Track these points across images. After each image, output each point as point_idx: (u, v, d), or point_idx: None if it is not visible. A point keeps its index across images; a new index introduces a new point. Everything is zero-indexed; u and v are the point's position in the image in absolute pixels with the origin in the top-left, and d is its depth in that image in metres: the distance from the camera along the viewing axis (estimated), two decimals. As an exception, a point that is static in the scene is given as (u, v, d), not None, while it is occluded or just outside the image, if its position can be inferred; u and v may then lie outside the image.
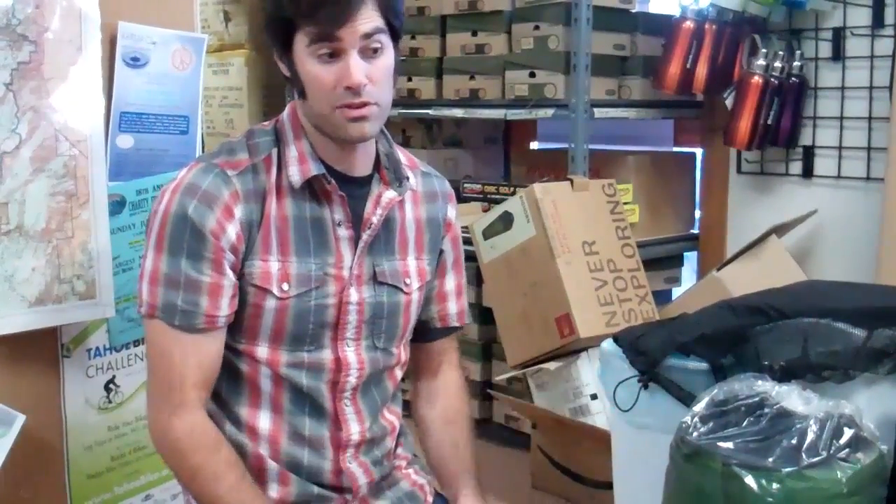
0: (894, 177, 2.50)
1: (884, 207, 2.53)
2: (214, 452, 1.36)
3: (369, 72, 1.32)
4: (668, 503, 1.11)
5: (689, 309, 1.40)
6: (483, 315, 3.14)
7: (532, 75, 2.98)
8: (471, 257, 2.49)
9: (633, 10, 3.18)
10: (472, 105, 3.17)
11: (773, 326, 1.20)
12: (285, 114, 1.45)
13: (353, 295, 1.42)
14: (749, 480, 1.00)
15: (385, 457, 1.51)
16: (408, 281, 1.48)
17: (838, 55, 2.71)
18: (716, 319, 1.25)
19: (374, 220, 1.42)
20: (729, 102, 2.81)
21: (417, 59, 3.30)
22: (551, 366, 2.51)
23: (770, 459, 1.01)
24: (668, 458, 1.10)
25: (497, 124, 3.78)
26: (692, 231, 3.26)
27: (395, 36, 1.36)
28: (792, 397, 1.06)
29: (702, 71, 2.83)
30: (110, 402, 1.82)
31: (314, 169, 1.38)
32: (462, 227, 2.06)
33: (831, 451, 1.01)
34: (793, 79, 2.74)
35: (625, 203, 2.78)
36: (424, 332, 1.58)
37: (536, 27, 2.99)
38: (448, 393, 1.60)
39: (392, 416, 1.53)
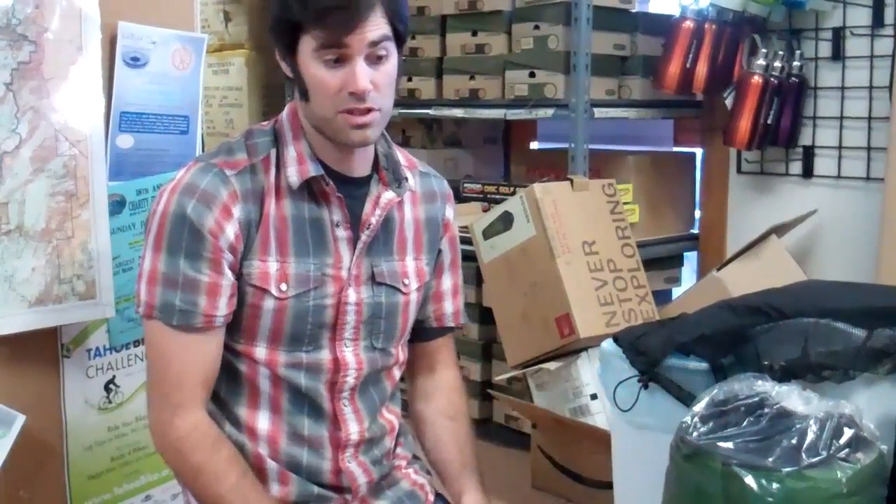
0: (894, 177, 2.50)
1: (884, 207, 2.53)
2: (216, 452, 1.36)
3: (374, 78, 1.32)
4: (668, 503, 1.11)
5: (689, 309, 1.40)
6: (483, 315, 3.14)
7: (532, 75, 2.98)
8: (470, 257, 2.49)
9: (633, 10, 3.18)
10: (472, 105, 3.17)
11: (773, 326, 1.20)
12: (284, 114, 1.45)
13: (352, 295, 1.42)
14: (749, 480, 1.00)
15: (384, 456, 1.51)
16: (406, 281, 1.48)
17: (838, 55, 2.71)
18: (716, 319, 1.25)
19: (373, 220, 1.42)
20: (729, 102, 2.81)
21: (417, 59, 3.31)
22: (551, 366, 2.51)
23: (770, 459, 1.01)
24: (668, 458, 1.10)
25: (497, 124, 3.79)
26: (692, 231, 3.27)
27: (400, 42, 1.36)
28: (792, 397, 1.06)
29: (702, 71, 2.84)
30: (110, 402, 1.82)
31: (313, 170, 1.38)
32: (462, 227, 2.06)
33: (831, 451, 1.01)
34: (793, 79, 2.75)
35: (625, 203, 2.78)
36: (420, 332, 1.58)
37: (536, 27, 2.99)
38: (445, 390, 1.60)
39: (391, 416, 1.53)
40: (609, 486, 1.43)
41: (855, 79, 2.69)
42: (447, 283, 1.59)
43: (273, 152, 1.41)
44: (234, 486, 1.35)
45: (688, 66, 2.84)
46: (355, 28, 1.28)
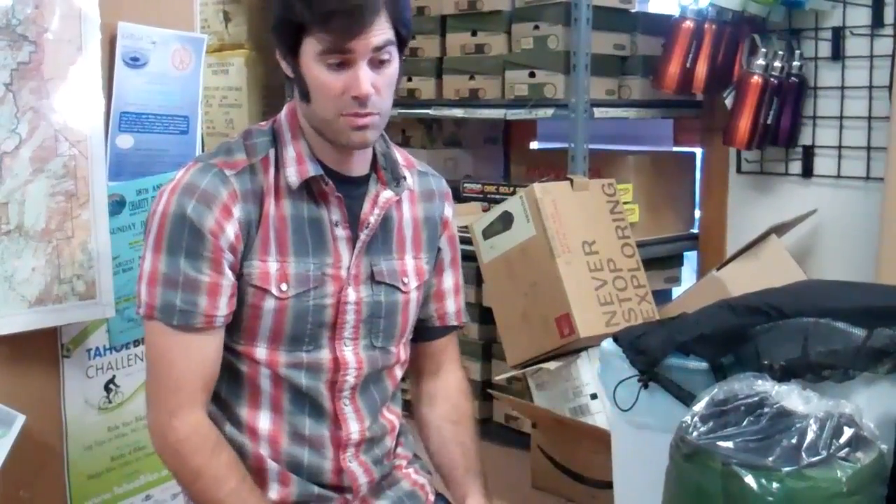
0: (894, 177, 2.50)
1: (884, 207, 2.53)
2: (216, 455, 1.36)
3: (375, 81, 1.32)
4: (668, 503, 1.11)
5: (689, 308, 1.40)
6: (483, 315, 3.14)
7: (532, 75, 2.98)
8: (470, 257, 2.49)
9: (633, 10, 3.18)
10: (472, 105, 3.17)
11: (772, 326, 1.20)
12: (283, 114, 1.45)
13: (351, 295, 1.42)
14: (749, 480, 1.00)
15: (385, 456, 1.51)
16: (406, 280, 1.48)
17: (838, 55, 2.71)
18: (716, 319, 1.25)
19: (372, 219, 1.43)
20: (729, 102, 2.81)
21: (417, 59, 3.31)
22: (551, 365, 2.51)
23: (770, 459, 1.01)
24: (668, 457, 1.10)
25: (497, 124, 3.79)
26: (692, 231, 3.27)
27: (402, 46, 1.36)
28: (792, 397, 1.06)
29: (701, 70, 2.84)
30: (110, 402, 1.82)
31: (312, 170, 1.38)
32: (462, 227, 2.06)
33: (831, 451, 1.01)
34: (792, 78, 2.75)
35: (625, 203, 2.78)
36: (423, 332, 1.58)
37: (536, 27, 2.99)
38: (450, 393, 1.60)
39: (392, 416, 1.53)
40: (609, 485, 1.43)
41: (855, 78, 2.69)
42: (448, 281, 1.59)
43: (272, 152, 1.41)
44: (233, 491, 1.34)
45: (688, 65, 2.84)
46: (360, 33, 1.28)
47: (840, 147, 2.75)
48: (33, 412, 1.61)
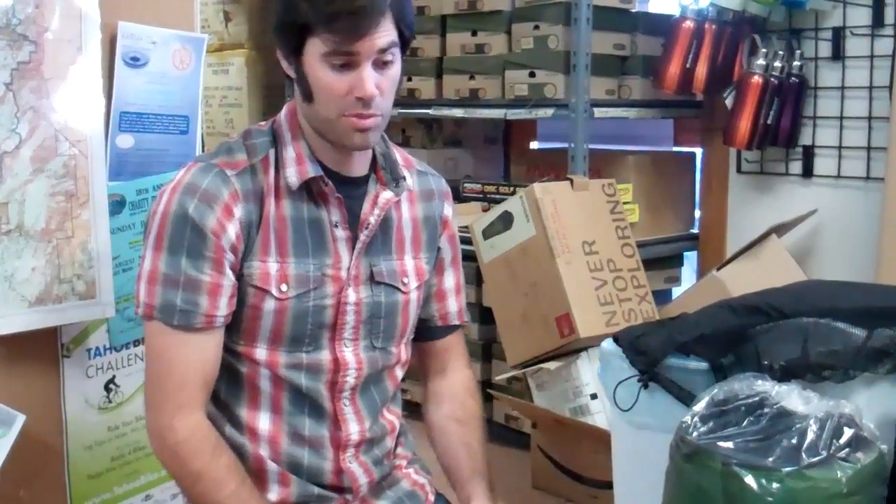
0: (894, 177, 2.50)
1: (884, 207, 2.54)
2: (216, 457, 1.35)
3: (379, 82, 1.32)
4: (668, 503, 1.11)
5: (689, 309, 1.40)
6: (483, 315, 3.14)
7: (532, 75, 2.98)
8: (470, 257, 2.49)
9: (633, 10, 3.18)
10: (472, 105, 3.17)
11: (773, 326, 1.20)
12: (283, 114, 1.45)
13: (351, 295, 1.42)
14: (749, 480, 1.00)
15: (385, 456, 1.51)
16: (405, 280, 1.48)
17: (838, 55, 2.72)
18: (716, 319, 1.25)
19: (372, 220, 1.42)
20: (729, 102, 2.82)
21: (417, 59, 3.31)
22: (551, 365, 2.51)
23: (770, 459, 1.01)
24: (668, 458, 1.10)
25: (497, 124, 3.79)
26: (692, 231, 3.27)
27: (405, 47, 1.36)
28: (792, 397, 1.06)
29: (702, 71, 2.84)
30: (110, 402, 1.82)
31: (312, 170, 1.38)
32: (462, 227, 2.06)
33: (831, 451, 1.01)
34: (793, 78, 2.75)
35: (625, 203, 2.79)
36: (426, 332, 1.58)
37: (536, 27, 2.99)
38: (456, 392, 1.60)
39: (392, 416, 1.53)
40: (609, 485, 1.43)
41: (855, 79, 2.69)
42: (449, 281, 1.58)
43: (272, 153, 1.41)
44: (233, 493, 1.34)
45: (688, 65, 2.84)
46: (365, 34, 1.28)
47: (840, 147, 2.75)
48: (33, 412, 1.61)
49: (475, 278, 3.02)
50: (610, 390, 1.30)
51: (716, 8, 2.80)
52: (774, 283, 1.40)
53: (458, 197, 3.13)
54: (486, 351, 3.22)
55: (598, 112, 2.92)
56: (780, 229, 2.73)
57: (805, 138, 2.81)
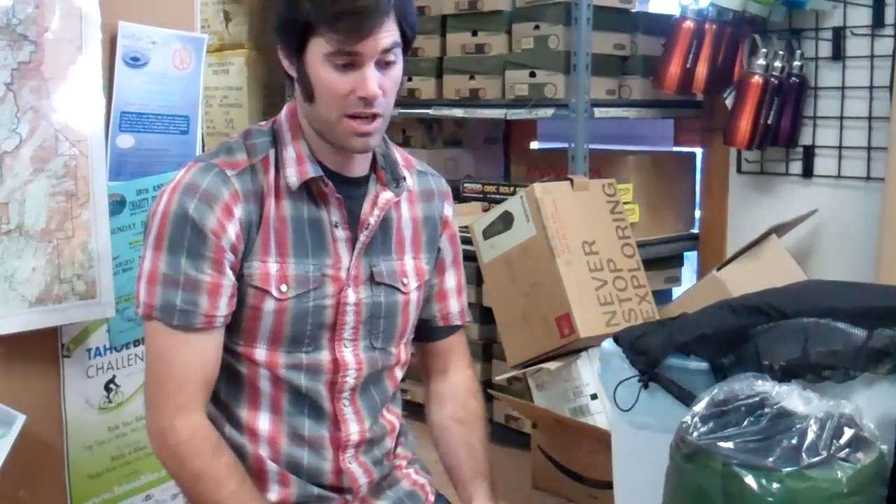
0: (894, 177, 2.50)
1: (884, 207, 2.54)
2: (216, 458, 1.35)
3: (381, 82, 1.32)
4: (668, 503, 1.11)
5: (689, 309, 1.40)
6: (483, 315, 3.14)
7: (532, 75, 2.98)
8: (470, 257, 2.49)
9: (633, 10, 3.18)
10: (472, 105, 3.17)
11: (773, 326, 1.20)
12: (283, 114, 1.45)
13: (351, 296, 1.42)
14: (749, 480, 1.00)
15: (385, 456, 1.51)
16: (405, 280, 1.48)
17: (838, 55, 2.72)
18: (716, 319, 1.25)
19: (371, 220, 1.42)
20: (729, 102, 2.82)
21: (417, 58, 3.31)
22: (551, 366, 2.51)
23: (770, 459, 1.01)
24: (668, 458, 1.10)
25: (497, 124, 3.79)
26: (692, 231, 3.27)
27: (407, 47, 1.36)
28: (792, 397, 1.06)
29: (702, 71, 2.84)
30: (110, 402, 1.82)
31: (312, 171, 1.38)
32: (462, 227, 2.06)
33: (831, 451, 1.01)
34: (793, 78, 2.75)
35: (625, 203, 2.79)
36: (428, 332, 1.58)
37: (536, 27, 2.99)
38: (458, 392, 1.59)
39: (392, 416, 1.53)
40: (609, 486, 1.43)
41: (855, 79, 2.69)
42: (451, 281, 1.58)
43: (272, 153, 1.41)
44: (233, 493, 1.34)
45: (688, 65, 2.84)
46: (369, 35, 1.28)
47: (840, 147, 2.75)
48: (33, 412, 1.61)
49: (475, 278, 3.02)
50: (610, 390, 1.30)
51: (716, 8, 2.80)
52: (774, 283, 1.40)
53: (459, 197, 3.13)
54: (486, 351, 3.22)
55: (599, 112, 2.92)
56: (780, 229, 2.73)
57: (805, 138, 2.81)
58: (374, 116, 1.34)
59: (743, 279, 2.51)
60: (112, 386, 1.82)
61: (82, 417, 1.77)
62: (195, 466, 1.34)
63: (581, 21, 2.83)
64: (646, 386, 1.24)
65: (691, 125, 3.33)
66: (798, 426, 1.03)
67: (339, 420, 1.44)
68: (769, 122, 2.75)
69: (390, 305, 1.46)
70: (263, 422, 1.41)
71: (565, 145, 2.92)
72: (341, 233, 1.41)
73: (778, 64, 2.73)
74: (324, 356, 1.42)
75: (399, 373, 1.53)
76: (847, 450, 1.02)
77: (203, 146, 1.96)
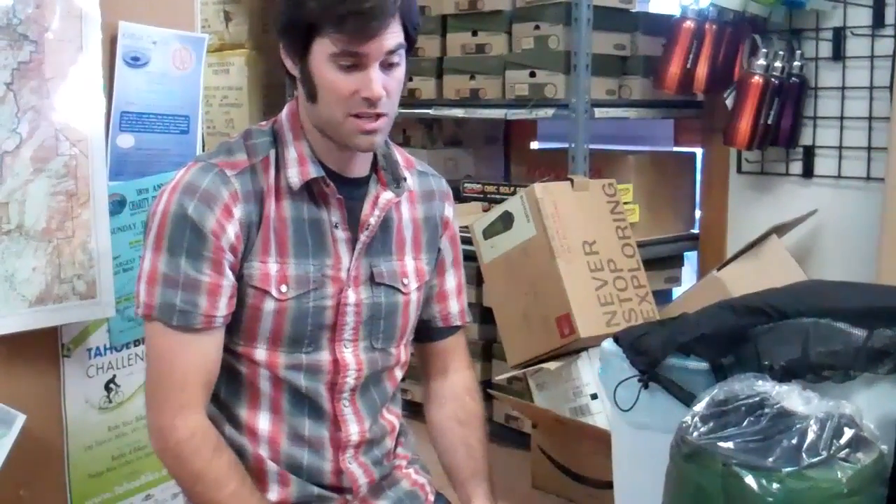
0: (894, 177, 2.50)
1: (884, 207, 2.53)
2: (216, 457, 1.35)
3: (385, 83, 1.32)
4: (668, 503, 1.11)
5: (689, 309, 1.40)
6: (483, 315, 3.14)
7: (532, 75, 2.98)
8: (471, 257, 2.49)
9: (634, 10, 3.18)
10: (473, 105, 3.17)
11: (773, 326, 1.20)
12: (284, 114, 1.45)
13: (351, 296, 1.42)
14: (749, 480, 1.00)
15: (385, 457, 1.51)
16: (406, 281, 1.48)
17: (838, 55, 2.71)
18: (716, 319, 1.25)
19: (372, 221, 1.42)
20: (729, 102, 2.81)
21: (417, 59, 3.31)
22: (551, 365, 2.51)
23: (770, 459, 1.01)
24: (668, 458, 1.10)
25: (497, 124, 3.79)
26: (692, 231, 3.27)
27: (410, 48, 1.36)
28: (792, 397, 1.06)
29: (702, 71, 2.84)
30: (110, 401, 1.82)
31: (313, 171, 1.38)
32: (462, 227, 2.06)
33: (831, 451, 1.01)
34: (793, 79, 2.75)
35: (625, 203, 2.79)
36: (428, 333, 1.58)
37: (537, 27, 2.99)
38: (457, 393, 1.59)
39: (392, 417, 1.53)
40: (609, 486, 1.43)
41: (855, 79, 2.69)
42: (451, 282, 1.58)
43: (272, 153, 1.40)
44: (233, 493, 1.34)
45: (688, 66, 2.84)
46: (374, 36, 1.28)
47: (840, 147, 2.75)
48: (33, 412, 1.61)
49: (475, 278, 3.02)
50: (610, 390, 1.30)
51: (716, 8, 2.80)
52: (775, 284, 1.40)
53: (459, 197, 3.13)
54: (486, 351, 3.22)
55: (599, 112, 2.91)
56: (780, 229, 2.73)
57: (805, 138, 2.81)
58: (379, 116, 1.34)
59: (743, 279, 2.50)
60: (112, 386, 1.82)
61: (82, 417, 1.77)
62: (195, 466, 1.34)
63: (581, 21, 2.83)
64: (646, 386, 1.24)
65: (691, 125, 3.33)
66: (798, 426, 1.03)
67: (339, 420, 1.44)
68: (769, 122, 2.75)
69: (390, 306, 1.46)
70: (263, 422, 1.41)
71: (565, 145, 2.92)
72: (342, 233, 1.41)
73: (778, 64, 2.73)
74: (324, 357, 1.41)
75: (399, 373, 1.53)
76: (847, 450, 1.02)
77: (203, 146, 1.96)
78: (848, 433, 1.03)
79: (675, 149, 3.52)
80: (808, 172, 2.83)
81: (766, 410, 1.05)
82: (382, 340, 1.47)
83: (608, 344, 1.34)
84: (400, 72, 1.35)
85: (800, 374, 1.14)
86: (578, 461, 2.53)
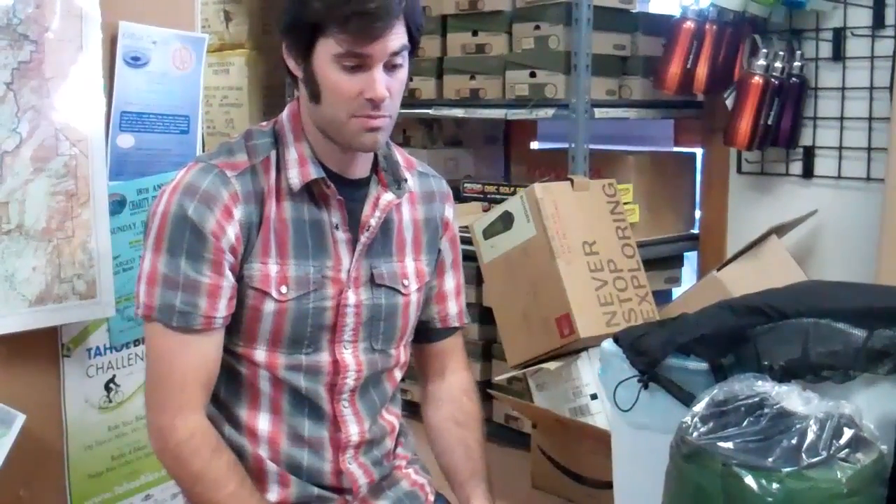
0: (894, 177, 2.50)
1: (884, 207, 2.53)
2: (216, 458, 1.35)
3: (389, 84, 1.32)
4: (668, 503, 1.11)
5: (689, 309, 1.40)
6: (483, 315, 3.14)
7: (532, 75, 2.98)
8: (471, 257, 2.49)
9: (634, 10, 3.18)
10: (473, 105, 3.17)
11: (773, 326, 1.20)
12: (284, 115, 1.45)
13: (351, 297, 1.42)
14: (749, 480, 1.00)
15: (385, 457, 1.51)
16: (406, 282, 1.48)
17: (839, 55, 2.71)
18: (716, 319, 1.25)
19: (372, 222, 1.42)
20: (729, 102, 2.81)
21: (418, 59, 3.29)
22: (551, 366, 2.51)
23: (770, 459, 1.01)
24: (668, 458, 1.10)
25: (497, 124, 3.79)
26: (692, 231, 3.27)
27: (413, 50, 1.36)
28: (792, 397, 1.06)
29: (702, 71, 2.84)
30: (110, 401, 1.82)
31: (314, 172, 1.38)
32: (462, 227, 2.06)
33: (831, 451, 1.01)
34: (793, 79, 2.75)
35: (625, 203, 2.78)
36: (426, 334, 1.58)
37: (537, 27, 2.99)
38: (455, 394, 1.59)
39: (391, 417, 1.53)
40: (609, 486, 1.43)
41: (855, 79, 2.69)
42: (450, 283, 1.58)
43: (273, 154, 1.40)
44: (233, 493, 1.34)
45: (688, 66, 2.84)
46: (379, 37, 1.28)
47: (841, 148, 2.75)
48: (33, 412, 1.61)
49: (475, 278, 3.02)
50: (610, 390, 1.30)
51: (716, 8, 2.80)
52: (774, 284, 1.40)
53: (459, 197, 3.13)
54: (486, 351, 3.22)
55: (599, 112, 2.91)
56: (780, 230, 2.73)
57: (805, 139, 2.81)
58: (382, 116, 1.34)
59: (743, 279, 2.51)
60: (112, 385, 1.82)
61: (82, 417, 1.77)
62: (195, 467, 1.34)
63: (581, 21, 2.83)
64: (646, 386, 1.24)
65: (691, 125, 3.33)
66: (798, 426, 1.03)
67: (339, 421, 1.44)
68: (769, 122, 2.75)
69: (390, 307, 1.46)
70: (263, 422, 1.41)
71: (565, 145, 2.92)
72: (342, 234, 1.41)
73: (778, 64, 2.73)
74: (324, 357, 1.41)
75: (398, 374, 1.53)
76: (847, 450, 1.02)
77: (203, 146, 1.96)
78: (848, 433, 1.03)
79: (675, 149, 3.52)
80: (808, 173, 2.82)
81: (766, 410, 1.05)
82: (382, 341, 1.47)
83: (608, 344, 1.34)
84: (403, 73, 1.35)
85: (800, 375, 1.14)
86: (578, 461, 2.53)
